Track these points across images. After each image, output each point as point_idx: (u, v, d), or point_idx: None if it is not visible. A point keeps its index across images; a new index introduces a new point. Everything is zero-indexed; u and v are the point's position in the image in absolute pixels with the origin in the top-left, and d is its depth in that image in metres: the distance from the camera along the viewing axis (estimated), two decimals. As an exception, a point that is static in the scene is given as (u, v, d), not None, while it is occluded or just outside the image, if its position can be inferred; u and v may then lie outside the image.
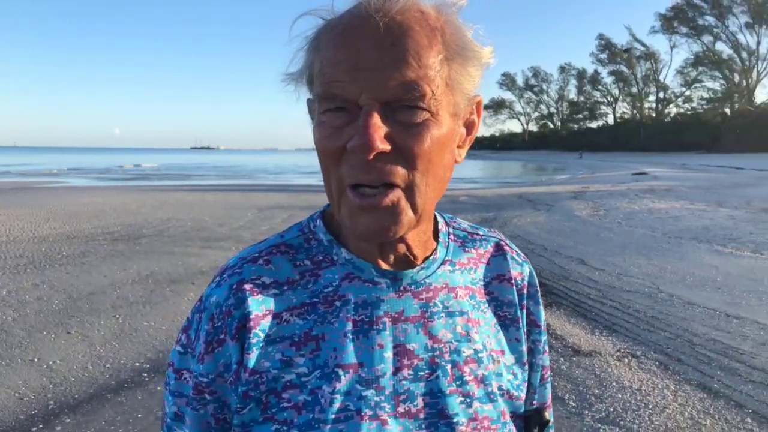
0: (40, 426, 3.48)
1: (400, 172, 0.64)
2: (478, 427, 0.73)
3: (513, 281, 0.82)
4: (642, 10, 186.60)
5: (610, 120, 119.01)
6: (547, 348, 0.88)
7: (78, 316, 5.53)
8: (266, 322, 0.70)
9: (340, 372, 0.69)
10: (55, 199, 16.94)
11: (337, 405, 0.68)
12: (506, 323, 0.81)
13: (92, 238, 9.78)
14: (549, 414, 0.88)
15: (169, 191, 20.95)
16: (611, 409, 3.63)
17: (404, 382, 0.71)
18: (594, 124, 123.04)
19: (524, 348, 0.82)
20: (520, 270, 0.84)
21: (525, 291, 0.84)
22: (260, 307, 0.71)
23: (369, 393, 0.69)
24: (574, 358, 4.49)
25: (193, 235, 10.27)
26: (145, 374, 4.24)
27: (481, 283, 0.81)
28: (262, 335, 0.70)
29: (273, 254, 0.75)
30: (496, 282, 0.82)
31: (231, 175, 39.31)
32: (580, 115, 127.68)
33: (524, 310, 0.83)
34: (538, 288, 0.86)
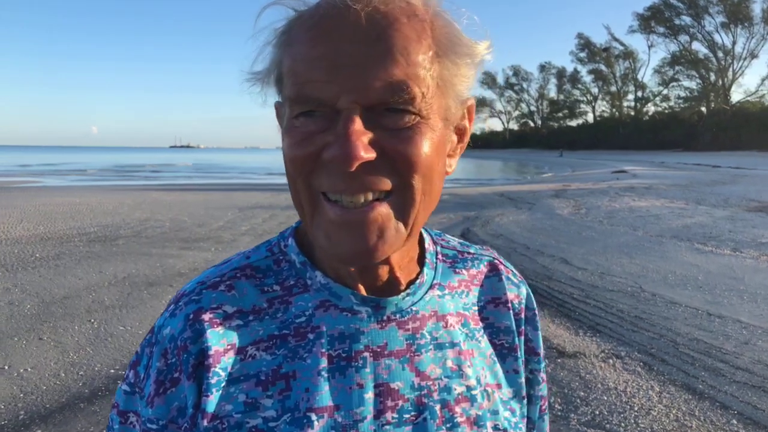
0: (9, 438, 3.33)
1: (386, 182, 0.56)
2: None
3: (510, 305, 0.74)
4: (620, 10, 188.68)
5: (590, 118, 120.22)
6: (545, 377, 0.80)
7: (51, 321, 5.36)
8: (228, 358, 0.61)
9: (313, 417, 0.60)
10: (29, 199, 16.54)
11: None
12: (503, 352, 0.73)
13: (67, 240, 9.54)
14: None
15: (148, 190, 20.62)
16: (597, 412, 3.59)
17: (387, 427, 0.62)
18: (574, 123, 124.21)
19: (522, 380, 0.73)
20: (517, 292, 0.76)
21: (523, 315, 0.75)
22: (221, 341, 0.61)
23: None
24: (559, 360, 4.44)
25: (171, 236, 10.07)
26: (121, 381, 4.11)
27: (475, 307, 0.72)
28: (223, 374, 0.60)
29: (237, 278, 0.65)
30: (491, 306, 0.73)
31: (211, 174, 38.89)
32: (561, 114, 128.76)
33: (522, 337, 0.75)
34: (536, 311, 0.78)
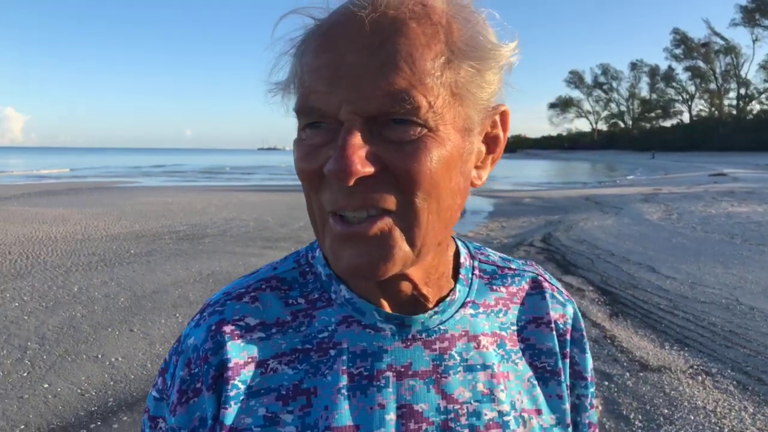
0: (99, 423, 3.56)
1: (390, 199, 0.52)
2: None
3: (553, 325, 0.69)
4: (720, 2, 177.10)
5: (686, 118, 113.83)
6: (595, 402, 0.74)
7: (141, 314, 5.69)
8: (248, 371, 0.60)
9: None
10: (127, 198, 17.71)
11: None
12: (545, 376, 0.68)
13: (159, 237, 10.12)
14: None
15: (234, 191, 21.51)
16: (682, 432, 3.37)
17: None
18: (668, 123, 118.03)
19: (567, 405, 0.68)
20: (563, 311, 0.71)
21: (569, 336, 0.70)
22: (241, 354, 0.60)
23: None
24: (641, 374, 4.21)
25: (255, 235, 10.45)
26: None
27: (514, 327, 0.68)
28: (242, 387, 0.59)
29: (262, 290, 0.64)
30: (532, 326, 0.69)
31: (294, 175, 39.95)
32: (653, 114, 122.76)
33: (567, 360, 0.70)
34: (584, 332, 0.72)
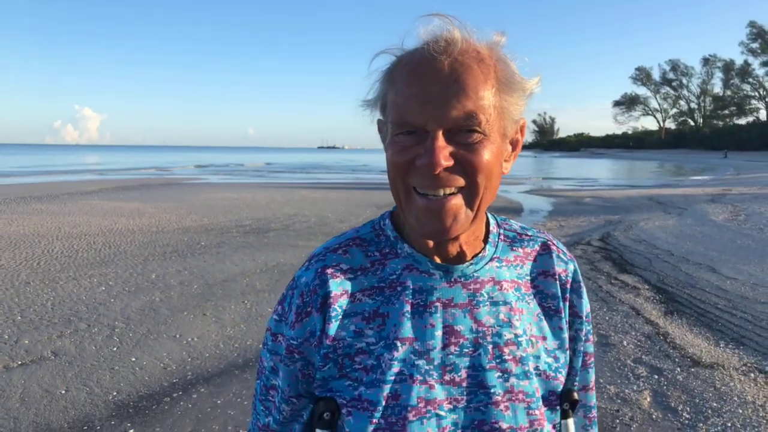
0: (180, 393, 3.96)
1: (460, 181, 0.78)
2: (513, 398, 0.85)
3: (557, 276, 0.93)
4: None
5: (762, 116, 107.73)
6: (591, 337, 0.98)
7: (213, 300, 6.14)
8: (343, 300, 0.86)
9: (399, 344, 0.84)
10: (196, 194, 18.59)
11: (395, 369, 0.83)
12: (550, 313, 0.92)
13: (227, 231, 10.69)
14: (586, 396, 0.99)
15: (296, 188, 22.16)
16: (729, 424, 3.45)
17: (451, 356, 0.84)
18: (742, 121, 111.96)
19: (566, 335, 0.92)
20: (565, 267, 0.95)
21: (569, 285, 0.94)
22: (339, 288, 0.87)
23: (421, 362, 0.84)
24: (693, 369, 4.27)
25: (316, 230, 10.87)
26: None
27: (528, 277, 0.92)
28: (339, 310, 0.86)
29: (350, 246, 0.91)
30: (541, 277, 0.93)
31: (355, 173, 40.55)
32: (726, 111, 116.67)
33: (566, 302, 0.94)
34: (582, 283, 0.97)
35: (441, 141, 0.75)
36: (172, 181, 26.68)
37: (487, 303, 0.87)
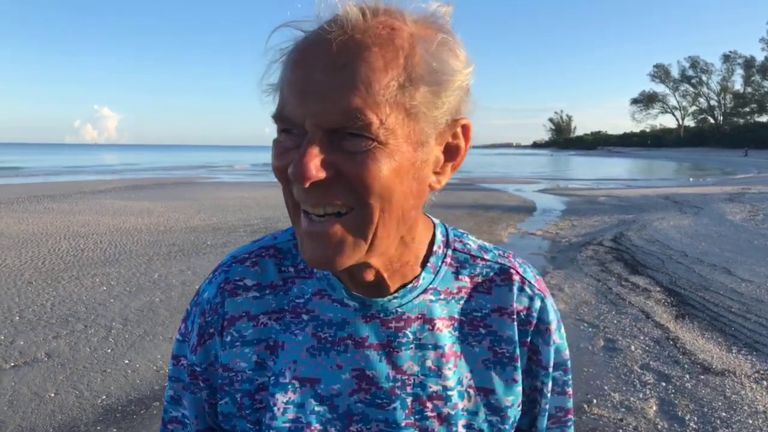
0: (170, 397, 3.87)
1: (344, 200, 0.60)
2: None
3: (515, 316, 0.75)
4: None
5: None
6: (568, 389, 0.81)
7: (213, 301, 6.05)
8: (242, 323, 0.73)
9: (297, 384, 0.71)
10: (207, 193, 18.61)
11: (289, 415, 0.70)
12: (503, 361, 0.74)
13: (234, 230, 10.63)
14: None
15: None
16: (738, 436, 3.28)
17: (359, 404, 0.70)
18: (763, 118, 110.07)
19: (519, 389, 0.75)
20: (528, 304, 0.76)
21: (531, 327, 0.75)
22: (238, 309, 0.73)
23: (322, 409, 0.70)
24: (702, 376, 4.09)
25: (323, 230, 10.76)
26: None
27: (477, 313, 0.75)
28: (236, 335, 0.73)
29: (262, 257, 0.76)
30: (496, 315, 0.75)
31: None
32: (747, 109, 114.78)
33: (525, 348, 0.76)
34: (552, 325, 0.77)
35: (314, 147, 0.57)
36: (183, 180, 26.77)
37: (412, 346, 0.71)
